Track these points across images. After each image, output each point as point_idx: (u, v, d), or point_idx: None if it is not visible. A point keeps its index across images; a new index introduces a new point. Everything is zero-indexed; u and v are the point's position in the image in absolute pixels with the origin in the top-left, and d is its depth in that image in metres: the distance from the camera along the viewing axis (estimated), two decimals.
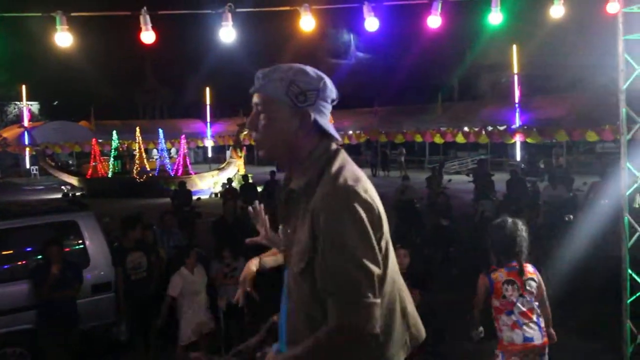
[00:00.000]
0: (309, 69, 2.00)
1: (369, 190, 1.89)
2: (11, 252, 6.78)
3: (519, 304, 4.07)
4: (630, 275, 5.67)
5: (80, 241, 6.70)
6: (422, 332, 2.14)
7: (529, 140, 25.94)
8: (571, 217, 10.45)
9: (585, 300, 7.65)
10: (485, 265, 4.49)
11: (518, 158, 27.06)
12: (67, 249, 6.47)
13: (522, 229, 4.20)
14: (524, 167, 23.85)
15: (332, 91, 2.02)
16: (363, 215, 1.81)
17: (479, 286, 4.27)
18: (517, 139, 26.18)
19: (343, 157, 1.98)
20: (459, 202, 14.90)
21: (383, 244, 1.91)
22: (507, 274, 4.14)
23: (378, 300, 1.81)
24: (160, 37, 7.80)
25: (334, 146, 2.01)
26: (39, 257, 6.39)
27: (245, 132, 28.56)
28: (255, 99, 2.00)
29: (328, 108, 2.03)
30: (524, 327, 4.06)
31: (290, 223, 2.04)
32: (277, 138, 1.98)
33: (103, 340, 6.90)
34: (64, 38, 7.53)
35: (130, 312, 6.70)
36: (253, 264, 2.62)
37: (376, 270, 1.82)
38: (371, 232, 1.83)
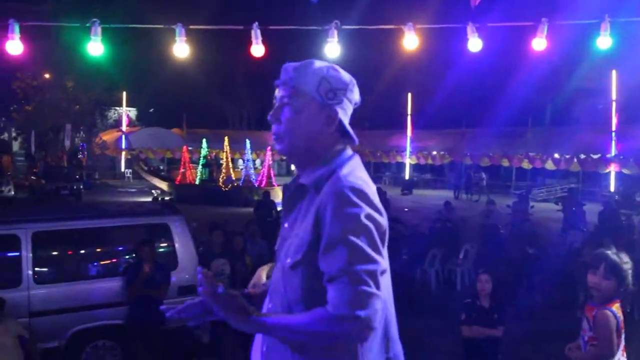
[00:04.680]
0: (339, 68, 1.97)
1: (376, 197, 1.86)
2: (107, 249, 7.18)
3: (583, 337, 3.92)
4: None
5: (171, 243, 6.97)
6: None
7: (625, 170, 24.66)
8: None
9: None
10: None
11: (612, 189, 25.76)
12: (158, 250, 6.78)
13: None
14: (618, 198, 22.64)
15: (357, 94, 2.00)
16: (367, 211, 1.77)
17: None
18: (612, 168, 24.96)
19: (357, 162, 1.95)
20: (546, 230, 14.39)
21: (384, 254, 1.84)
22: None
23: (380, 292, 1.73)
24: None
25: (350, 151, 1.98)
26: (133, 255, 6.74)
27: None
28: (281, 91, 1.96)
29: (351, 110, 2.00)
30: None
31: (289, 217, 1.99)
32: (300, 133, 1.92)
33: (186, 341, 7.14)
34: (181, 49, 7.93)
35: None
36: (262, 270, 2.58)
37: (382, 262, 1.77)
38: (374, 229, 1.77)
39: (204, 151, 27.69)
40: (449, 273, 10.85)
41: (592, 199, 23.59)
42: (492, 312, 5.32)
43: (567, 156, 26.74)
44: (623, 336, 3.79)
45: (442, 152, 33.51)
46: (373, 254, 1.74)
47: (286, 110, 1.94)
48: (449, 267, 10.86)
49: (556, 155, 27.44)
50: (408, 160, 35.15)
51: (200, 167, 27.62)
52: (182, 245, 6.97)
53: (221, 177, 25.97)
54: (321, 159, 1.93)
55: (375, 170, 40.21)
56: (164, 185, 27.77)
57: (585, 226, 13.37)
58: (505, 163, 30.18)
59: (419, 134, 35.24)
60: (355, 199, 1.77)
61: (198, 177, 27.52)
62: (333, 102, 1.91)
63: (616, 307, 3.76)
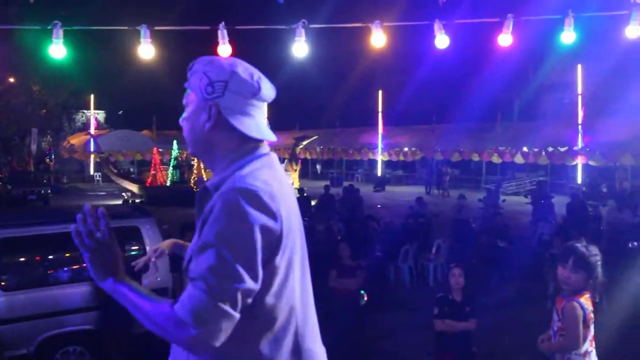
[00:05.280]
0: (221, 59, 1.86)
1: (276, 200, 1.71)
2: (76, 254, 7.05)
3: (553, 328, 3.98)
4: None
5: (142, 246, 6.88)
6: None
7: (591, 162, 25.17)
8: (635, 244, 10.08)
9: None
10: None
11: (579, 181, 26.25)
12: (129, 254, 6.68)
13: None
14: (586, 190, 23.09)
15: (250, 84, 1.82)
16: (254, 220, 1.63)
17: None
18: (579, 161, 25.43)
19: (265, 161, 1.83)
20: (516, 223, 14.60)
21: (281, 262, 1.73)
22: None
23: (235, 315, 1.60)
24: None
25: (263, 149, 1.86)
26: None
27: (301, 146, 28.89)
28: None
29: (253, 104, 1.84)
30: None
31: (199, 221, 1.87)
32: (193, 134, 1.87)
33: (159, 344, 7.06)
34: (147, 50, 7.85)
35: None
36: (172, 240, 2.68)
37: (249, 282, 1.61)
38: (259, 241, 1.64)
39: (174, 152, 27.45)
40: (422, 268, 10.93)
41: (560, 192, 24.03)
42: (464, 306, 5.36)
43: (536, 150, 27.19)
44: (592, 327, 3.85)
45: (413, 148, 33.78)
46: (241, 271, 1.60)
47: (185, 112, 1.90)
48: (421, 262, 10.94)
49: (525, 149, 27.89)
50: (380, 157, 35.34)
51: (171, 168, 27.38)
52: (153, 247, 6.86)
53: (192, 178, 25.76)
54: (226, 159, 1.83)
55: (348, 168, 40.35)
56: (134, 188, 27.42)
57: (554, 218, 13.60)
58: (476, 158, 30.58)
59: (390, 131, 35.44)
60: (242, 203, 1.63)
61: (169, 179, 27.27)
62: (212, 97, 1.80)
63: (584, 299, 3.81)
